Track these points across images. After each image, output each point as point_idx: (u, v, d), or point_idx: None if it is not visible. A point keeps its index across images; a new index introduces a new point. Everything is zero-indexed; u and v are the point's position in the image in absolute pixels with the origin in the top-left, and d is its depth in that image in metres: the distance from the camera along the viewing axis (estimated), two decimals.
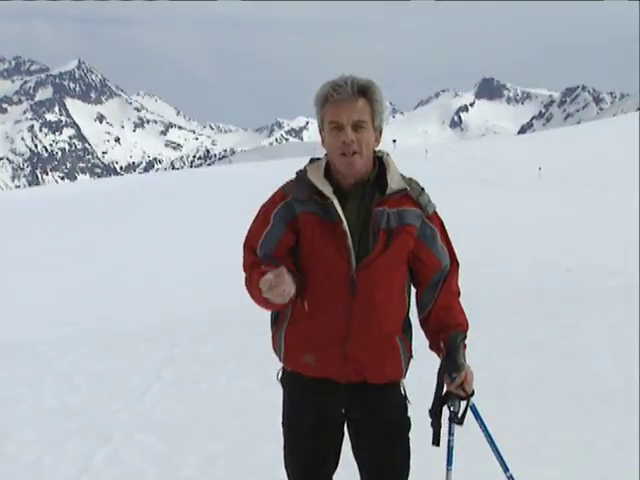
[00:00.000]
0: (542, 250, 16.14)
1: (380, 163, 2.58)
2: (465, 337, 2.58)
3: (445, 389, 2.57)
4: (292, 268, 2.48)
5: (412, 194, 2.54)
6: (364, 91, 2.46)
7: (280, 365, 2.70)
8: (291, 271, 2.41)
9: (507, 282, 12.26)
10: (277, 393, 2.75)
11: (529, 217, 23.08)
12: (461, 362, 2.51)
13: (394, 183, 2.52)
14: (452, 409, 2.56)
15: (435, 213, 2.61)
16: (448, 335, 2.55)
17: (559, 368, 6.12)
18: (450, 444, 2.63)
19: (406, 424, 2.66)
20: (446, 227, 2.65)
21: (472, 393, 2.56)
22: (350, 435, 2.68)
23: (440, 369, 2.55)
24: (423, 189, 2.59)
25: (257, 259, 2.57)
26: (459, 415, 2.57)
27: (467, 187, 33.63)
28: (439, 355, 2.59)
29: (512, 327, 7.73)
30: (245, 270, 2.60)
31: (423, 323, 2.67)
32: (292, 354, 2.61)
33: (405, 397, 2.66)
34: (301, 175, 2.57)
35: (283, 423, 2.72)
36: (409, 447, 2.67)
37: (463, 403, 2.57)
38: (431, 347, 2.65)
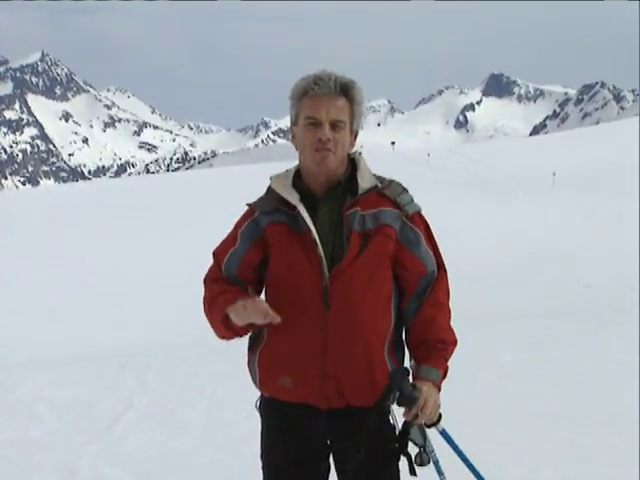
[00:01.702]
0: (557, 264, 16.19)
1: (353, 165, 2.63)
2: (441, 356, 2.57)
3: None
4: (253, 288, 2.60)
5: (389, 193, 2.58)
6: (346, 90, 2.53)
7: (259, 393, 2.70)
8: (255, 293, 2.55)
9: (519, 299, 12.29)
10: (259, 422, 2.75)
11: (542, 228, 23.14)
12: (415, 391, 2.46)
13: (364, 182, 2.57)
14: (416, 442, 2.53)
15: (419, 214, 2.63)
16: (419, 365, 2.55)
17: (576, 395, 6.13)
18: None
19: (395, 452, 2.64)
20: (432, 230, 2.66)
21: (438, 420, 2.55)
22: (335, 466, 2.68)
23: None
24: (404, 190, 2.62)
25: (221, 286, 2.61)
26: (418, 454, 2.53)
27: (473, 194, 33.70)
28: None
29: (524, 349, 7.74)
30: (205, 297, 2.65)
31: (405, 336, 2.67)
32: (267, 378, 2.63)
33: (394, 423, 2.65)
34: (268, 186, 2.65)
35: (261, 456, 2.72)
36: (398, 477, 2.67)
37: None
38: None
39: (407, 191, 2.63)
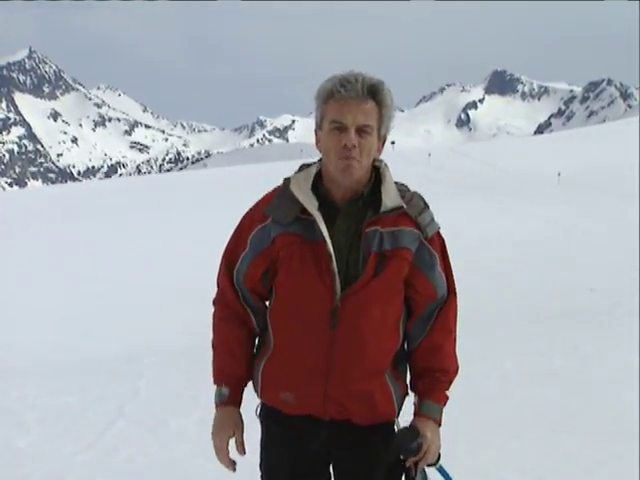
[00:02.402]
0: (561, 268, 16.17)
1: (377, 174, 2.58)
2: (441, 389, 2.61)
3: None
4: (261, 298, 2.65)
5: (411, 212, 2.53)
6: (374, 93, 2.46)
7: (259, 400, 2.71)
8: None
9: (522, 305, 12.28)
10: (258, 431, 2.75)
11: (546, 230, 23.13)
12: (418, 439, 2.51)
13: (389, 199, 2.51)
14: None
15: (437, 235, 2.60)
16: (422, 400, 2.59)
17: (582, 403, 6.13)
18: None
19: (398, 467, 2.64)
20: (448, 251, 2.65)
21: (437, 460, 2.59)
22: (334, 476, 2.69)
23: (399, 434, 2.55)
24: (426, 206, 2.59)
25: (227, 327, 2.69)
26: None
27: (475, 195, 33.68)
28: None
29: (528, 355, 7.74)
30: (214, 326, 2.74)
31: (408, 358, 2.68)
32: (269, 390, 2.63)
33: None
34: (285, 186, 2.58)
35: (260, 466, 2.73)
36: None
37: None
38: (411, 387, 2.67)
39: (428, 207, 2.59)
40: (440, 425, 2.59)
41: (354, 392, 2.52)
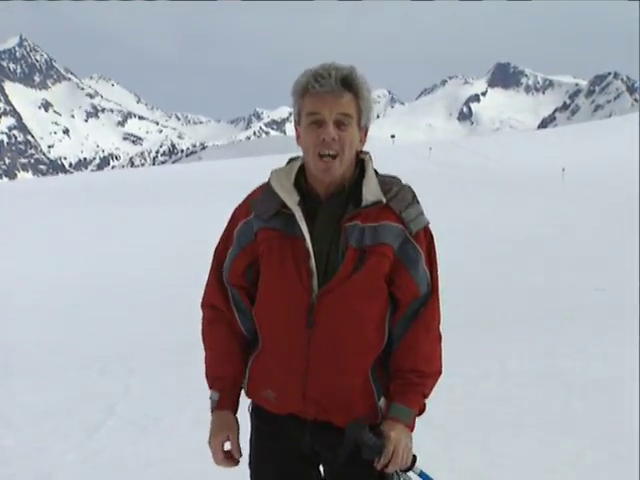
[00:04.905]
0: (566, 267, 16.19)
1: (361, 167, 2.58)
2: (418, 392, 2.53)
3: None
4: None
5: (395, 206, 2.51)
6: (349, 84, 2.45)
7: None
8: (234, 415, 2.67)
9: (525, 304, 12.29)
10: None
11: (550, 227, 23.17)
12: (381, 440, 2.43)
13: (369, 193, 2.49)
14: None
15: (424, 230, 2.57)
16: (391, 402, 2.51)
17: (586, 404, 6.13)
18: None
19: (384, 476, 2.60)
20: (434, 248, 2.61)
21: (412, 464, 2.52)
22: (325, 476, 2.68)
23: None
24: (414, 200, 2.56)
25: (215, 315, 2.68)
26: None
27: (478, 191, 33.77)
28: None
29: (531, 356, 7.74)
30: (203, 329, 2.75)
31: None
32: (254, 387, 2.64)
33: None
34: (268, 182, 2.60)
35: (249, 464, 2.73)
36: None
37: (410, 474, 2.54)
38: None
39: (416, 202, 2.56)
40: (412, 430, 2.51)
41: (331, 393, 2.51)
